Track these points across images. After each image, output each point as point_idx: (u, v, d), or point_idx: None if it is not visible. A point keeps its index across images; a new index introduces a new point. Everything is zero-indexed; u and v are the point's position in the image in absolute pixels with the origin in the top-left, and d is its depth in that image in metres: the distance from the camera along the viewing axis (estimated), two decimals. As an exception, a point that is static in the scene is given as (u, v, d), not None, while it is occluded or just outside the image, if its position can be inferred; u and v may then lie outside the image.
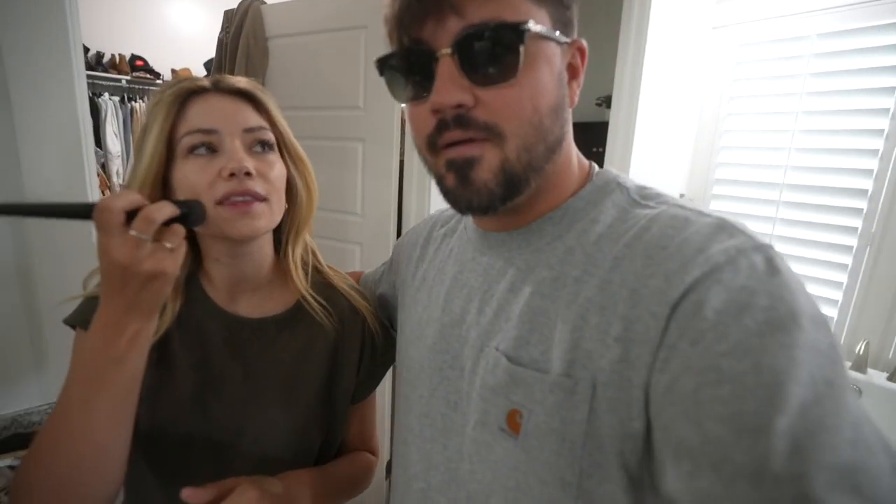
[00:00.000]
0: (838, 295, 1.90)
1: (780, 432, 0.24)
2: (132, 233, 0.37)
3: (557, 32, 0.36)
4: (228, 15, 1.69)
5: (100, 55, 3.13)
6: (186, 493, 0.42)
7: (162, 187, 0.49)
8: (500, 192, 0.36)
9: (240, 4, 1.63)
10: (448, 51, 0.33)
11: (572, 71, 0.40)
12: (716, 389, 0.26)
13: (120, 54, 3.22)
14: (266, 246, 0.57)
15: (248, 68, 1.62)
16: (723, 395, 0.26)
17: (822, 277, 1.93)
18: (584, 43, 0.41)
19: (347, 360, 0.60)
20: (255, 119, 0.52)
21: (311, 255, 0.63)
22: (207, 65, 3.08)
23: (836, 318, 1.90)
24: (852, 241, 1.85)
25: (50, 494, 0.38)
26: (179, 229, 0.41)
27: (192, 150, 0.48)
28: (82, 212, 0.38)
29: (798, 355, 0.26)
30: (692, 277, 0.30)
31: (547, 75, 0.36)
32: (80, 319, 0.51)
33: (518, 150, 0.36)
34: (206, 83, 0.51)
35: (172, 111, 0.48)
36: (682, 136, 2.26)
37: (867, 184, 1.82)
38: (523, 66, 0.34)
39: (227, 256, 0.54)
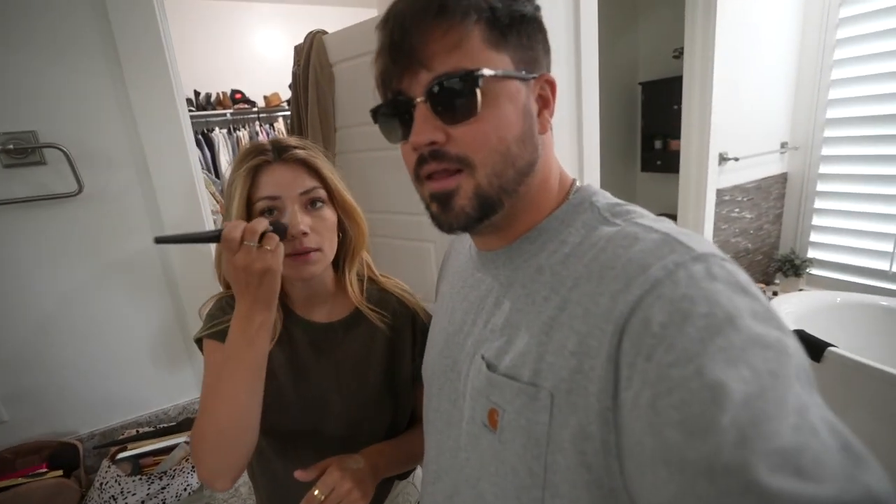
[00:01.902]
0: None
1: (725, 427, 0.25)
2: (246, 244, 0.53)
3: (523, 71, 0.41)
4: (297, 49, 1.88)
5: (208, 96, 3.63)
6: (298, 474, 0.59)
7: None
8: (475, 215, 0.41)
9: (305, 38, 1.80)
10: (422, 98, 0.39)
11: (543, 102, 0.43)
12: (668, 398, 0.28)
13: (222, 92, 3.70)
14: (328, 270, 0.70)
15: (318, 95, 1.80)
16: (674, 402, 0.28)
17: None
18: (553, 77, 0.43)
19: (402, 349, 0.72)
20: (309, 182, 0.63)
21: (365, 269, 0.76)
22: (291, 86, 3.40)
23: None
24: None
25: (214, 440, 0.54)
26: (274, 236, 0.55)
27: (262, 212, 0.61)
28: (214, 237, 0.54)
29: (737, 355, 0.28)
30: (634, 296, 0.33)
31: (509, 110, 0.40)
32: (207, 333, 0.68)
33: (488, 177, 0.40)
34: (271, 157, 0.62)
35: (248, 182, 0.61)
36: (779, 78, 1.98)
37: None
38: (483, 105, 0.39)
39: (300, 282, 0.70)
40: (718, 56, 1.71)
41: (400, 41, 0.39)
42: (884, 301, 1.72)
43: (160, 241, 0.53)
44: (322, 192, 0.64)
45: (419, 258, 1.69)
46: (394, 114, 0.42)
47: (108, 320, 1.03)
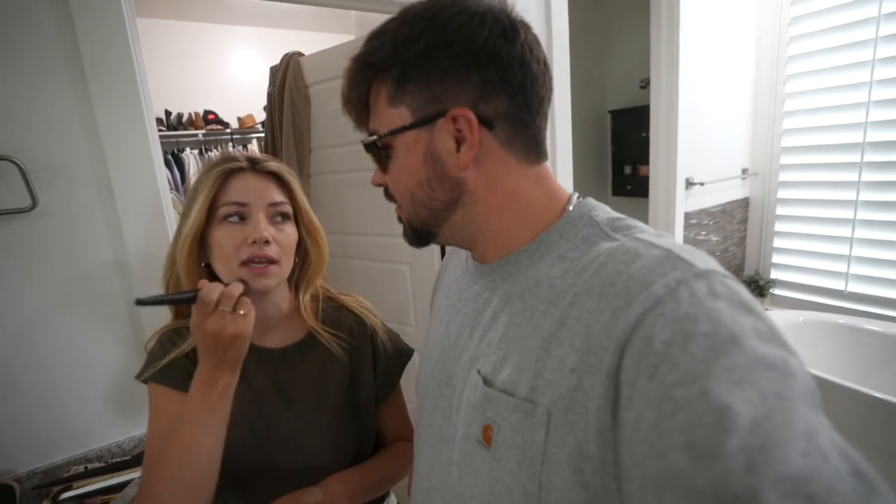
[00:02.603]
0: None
1: (733, 453, 0.25)
2: (220, 308, 0.51)
3: (415, 118, 0.42)
4: (273, 70, 1.87)
5: (179, 115, 3.57)
6: None
7: (199, 242, 0.63)
8: (416, 239, 0.48)
9: (281, 60, 1.81)
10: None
11: (460, 137, 0.41)
12: (672, 419, 0.27)
13: (195, 112, 3.65)
14: (281, 291, 0.68)
15: (294, 116, 1.79)
16: (678, 424, 0.27)
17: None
18: (465, 110, 0.40)
19: (362, 366, 0.70)
20: (279, 196, 0.62)
21: (320, 290, 0.74)
22: (265, 108, 3.39)
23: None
24: (959, 199, 1.61)
25: (170, 500, 0.51)
26: (247, 300, 0.53)
27: (226, 217, 0.60)
28: (191, 299, 0.53)
29: (742, 376, 0.27)
30: (636, 314, 0.32)
31: (407, 160, 0.44)
32: (156, 377, 0.64)
33: (408, 215, 0.47)
34: (245, 164, 0.62)
35: (217, 185, 0.60)
36: (738, 108, 2.10)
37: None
38: (389, 159, 0.45)
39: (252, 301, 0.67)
40: (682, 87, 1.80)
41: (343, 108, 0.48)
42: (841, 319, 1.79)
43: (141, 303, 0.52)
44: (289, 209, 0.63)
45: (394, 280, 1.67)
46: None
47: (58, 346, 0.96)
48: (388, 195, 0.49)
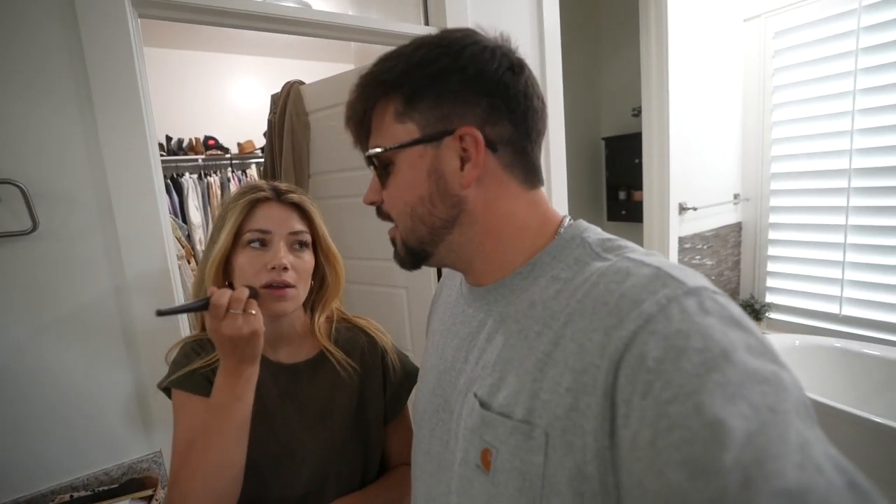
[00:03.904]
0: (938, 285, 1.68)
1: (729, 468, 0.25)
2: (231, 311, 0.55)
3: (423, 135, 0.43)
4: (274, 98, 1.92)
5: (180, 141, 3.62)
6: None
7: (225, 264, 0.67)
8: (410, 260, 0.48)
9: (283, 88, 1.86)
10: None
11: (466, 155, 0.43)
12: (668, 436, 0.27)
13: (196, 137, 3.70)
14: (298, 311, 0.71)
15: (293, 142, 1.82)
16: (675, 441, 0.27)
17: (915, 267, 1.72)
18: (472, 129, 0.42)
19: (371, 386, 0.72)
20: (299, 225, 0.67)
21: (335, 312, 0.78)
22: (265, 134, 3.45)
23: (940, 312, 1.68)
24: (945, 224, 1.65)
25: (203, 498, 0.54)
26: (253, 301, 0.58)
27: (250, 242, 0.64)
28: (203, 306, 0.56)
29: (735, 390, 0.27)
30: (628, 332, 0.32)
31: (409, 175, 0.44)
32: (177, 384, 0.67)
33: (405, 232, 0.47)
34: (270, 194, 0.67)
35: (244, 212, 0.65)
36: (728, 136, 2.16)
37: (952, 158, 1.62)
38: (392, 173, 0.45)
39: (268, 320, 0.69)
40: (673, 115, 1.86)
41: (346, 124, 0.48)
42: (838, 343, 1.80)
43: (161, 313, 0.55)
44: (308, 237, 0.68)
45: (391, 304, 1.67)
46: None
47: (47, 371, 0.95)
48: (382, 213, 0.48)
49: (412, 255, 0.48)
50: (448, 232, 0.45)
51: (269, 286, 0.63)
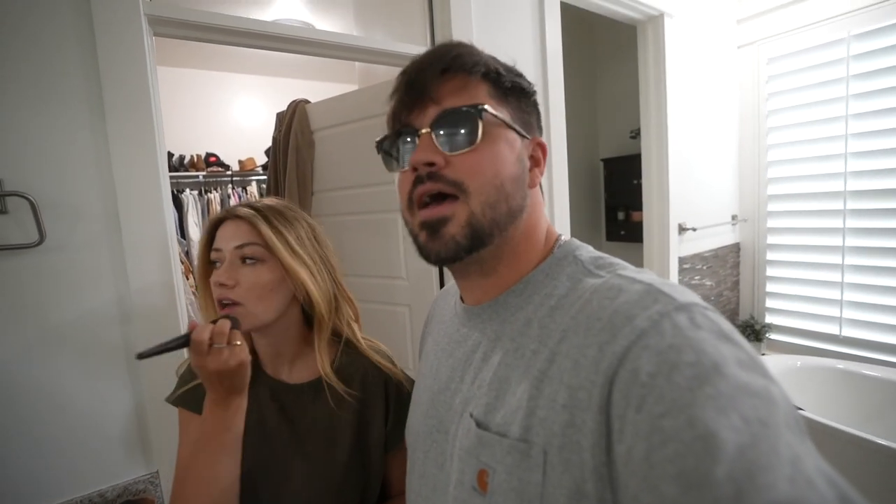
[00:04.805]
0: (936, 306, 1.69)
1: (721, 481, 0.25)
2: (215, 346, 0.53)
3: (515, 125, 0.45)
4: (280, 116, 1.95)
5: (182, 157, 3.65)
6: None
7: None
8: (465, 244, 0.42)
9: (288, 107, 1.89)
10: (427, 129, 0.43)
11: (534, 161, 0.48)
12: (662, 450, 0.28)
13: (197, 154, 3.73)
14: (291, 327, 0.68)
15: (298, 159, 1.84)
16: (668, 455, 0.27)
17: (913, 288, 1.74)
18: (545, 142, 0.49)
19: (373, 414, 0.69)
20: (245, 238, 0.63)
21: (345, 328, 0.73)
22: (267, 151, 3.48)
23: (939, 333, 1.68)
24: (940, 246, 1.67)
25: None
26: (237, 332, 0.57)
27: (213, 262, 0.65)
28: (184, 343, 0.55)
29: (727, 403, 0.28)
30: (621, 347, 0.33)
31: (506, 150, 0.44)
32: (181, 401, 0.67)
33: (482, 206, 0.42)
34: (224, 214, 0.67)
35: (207, 237, 0.67)
36: (724, 157, 2.20)
37: (944, 182, 1.66)
38: (482, 138, 0.42)
39: (258, 336, 0.69)
40: (671, 137, 1.89)
41: (415, 80, 0.44)
42: (840, 364, 1.79)
43: (142, 356, 0.53)
44: (257, 250, 0.63)
45: (394, 322, 1.66)
46: (397, 143, 0.46)
47: (44, 388, 0.93)
48: (434, 177, 0.42)
49: (474, 236, 0.42)
50: (515, 220, 0.45)
51: (218, 302, 0.62)
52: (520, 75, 0.47)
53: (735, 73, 2.20)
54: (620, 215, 2.60)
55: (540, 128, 0.50)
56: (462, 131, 0.42)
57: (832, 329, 1.97)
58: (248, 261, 0.63)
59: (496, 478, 0.37)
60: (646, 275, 0.40)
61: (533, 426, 0.37)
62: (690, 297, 0.36)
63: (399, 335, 1.65)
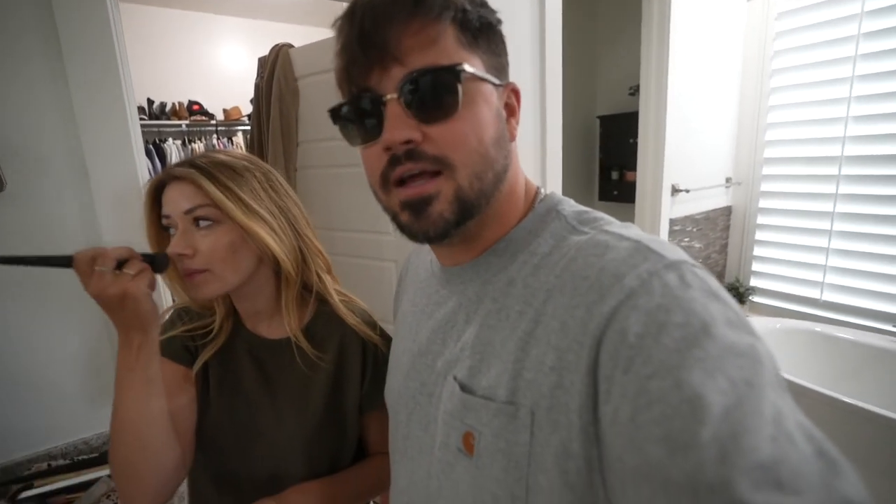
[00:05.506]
0: (917, 273, 1.71)
1: (707, 443, 0.25)
2: (97, 269, 0.49)
3: (490, 76, 0.40)
4: (262, 61, 1.84)
5: (163, 105, 3.49)
6: None
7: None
8: (454, 220, 0.39)
9: (270, 51, 1.77)
10: (394, 95, 0.36)
11: (509, 110, 0.43)
12: (649, 412, 0.28)
13: (179, 102, 3.57)
14: (266, 285, 0.65)
15: (281, 108, 1.76)
16: (655, 417, 0.27)
17: (891, 254, 1.75)
18: (517, 86, 0.43)
19: (349, 376, 0.67)
20: (193, 200, 0.57)
21: (316, 284, 0.67)
22: (253, 101, 3.35)
23: (916, 299, 1.72)
24: (930, 214, 1.67)
25: (121, 467, 0.52)
26: (136, 262, 0.51)
27: (168, 230, 0.60)
28: (65, 261, 0.49)
29: (714, 365, 0.28)
30: (609, 307, 0.32)
31: (486, 111, 0.39)
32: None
33: (469, 178, 0.38)
34: (163, 176, 0.60)
35: (149, 202, 0.60)
36: (723, 118, 2.14)
37: (942, 148, 1.63)
38: (463, 103, 0.37)
39: (235, 297, 0.66)
40: (671, 95, 1.82)
41: (371, 32, 0.36)
42: (818, 327, 1.84)
43: (6, 261, 0.48)
44: (209, 211, 0.58)
45: (379, 278, 1.65)
46: (358, 113, 0.39)
47: (22, 335, 0.92)
48: (413, 156, 0.37)
49: (463, 210, 0.39)
50: (500, 183, 0.41)
51: (184, 275, 0.58)
52: (483, 5, 0.40)
53: (741, 28, 2.10)
54: (614, 175, 2.56)
55: (508, 66, 0.44)
56: (439, 98, 0.36)
57: (814, 293, 2.00)
58: (201, 223, 0.58)
59: (482, 440, 0.37)
60: (632, 230, 0.38)
61: (520, 388, 0.36)
62: (679, 254, 0.35)
63: (386, 291, 1.65)
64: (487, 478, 0.37)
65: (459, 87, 0.36)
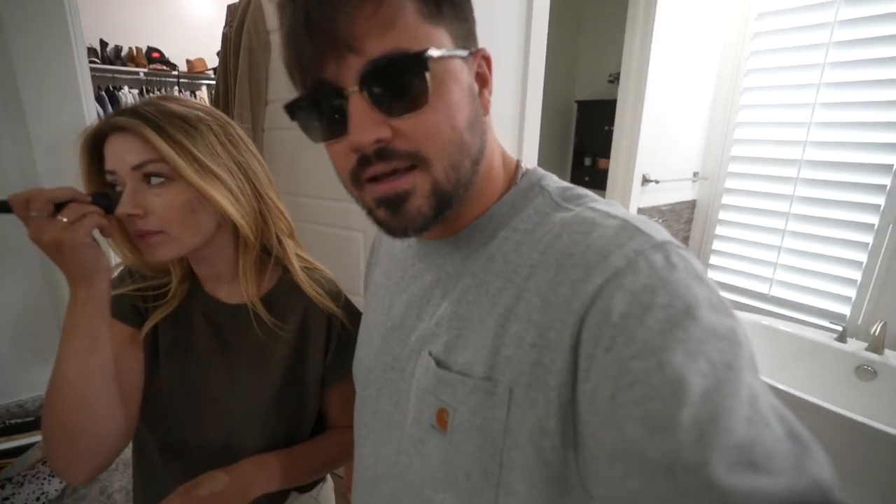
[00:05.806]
0: (857, 275, 1.84)
1: (686, 424, 0.26)
2: (32, 214, 0.46)
3: (458, 49, 0.36)
4: (231, 9, 1.71)
5: (118, 49, 3.20)
6: None
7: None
8: (432, 214, 0.37)
9: (240, -2, 1.65)
10: (355, 88, 0.33)
11: (481, 80, 0.39)
12: (629, 392, 0.28)
13: (137, 47, 3.29)
14: (226, 247, 0.60)
15: (251, 63, 1.65)
16: (635, 397, 0.27)
17: (841, 256, 1.87)
18: (488, 52, 0.39)
19: (312, 347, 0.64)
20: (141, 155, 0.51)
21: (275, 249, 0.63)
22: (219, 53, 3.14)
23: (853, 299, 1.84)
24: (874, 220, 1.78)
25: (57, 430, 0.49)
26: (75, 207, 0.47)
27: (115, 187, 0.53)
28: (2, 207, 0.46)
29: (696, 347, 0.28)
30: (594, 286, 0.32)
31: (457, 93, 0.35)
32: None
33: (446, 171, 0.36)
34: (103, 125, 0.53)
35: (86, 155, 0.54)
36: (697, 113, 2.18)
37: (892, 159, 1.73)
38: (433, 90, 0.33)
39: (193, 259, 0.62)
40: (650, 85, 1.84)
41: (318, 19, 0.32)
42: (764, 320, 1.95)
43: None
44: (162, 167, 0.52)
45: (347, 248, 1.61)
46: (317, 108, 0.36)
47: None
48: (384, 155, 0.34)
49: (441, 202, 0.36)
50: (478, 167, 0.38)
51: (136, 236, 0.53)
52: None
53: (722, 24, 2.12)
54: (587, 161, 2.59)
55: (475, 26, 0.39)
56: (405, 89, 0.33)
57: (763, 288, 2.12)
58: (153, 180, 0.52)
59: (457, 417, 0.37)
60: (618, 209, 0.38)
61: (498, 364, 0.35)
62: (665, 234, 0.35)
63: (353, 261, 1.61)
64: (461, 454, 0.36)
65: (427, 75, 0.33)
